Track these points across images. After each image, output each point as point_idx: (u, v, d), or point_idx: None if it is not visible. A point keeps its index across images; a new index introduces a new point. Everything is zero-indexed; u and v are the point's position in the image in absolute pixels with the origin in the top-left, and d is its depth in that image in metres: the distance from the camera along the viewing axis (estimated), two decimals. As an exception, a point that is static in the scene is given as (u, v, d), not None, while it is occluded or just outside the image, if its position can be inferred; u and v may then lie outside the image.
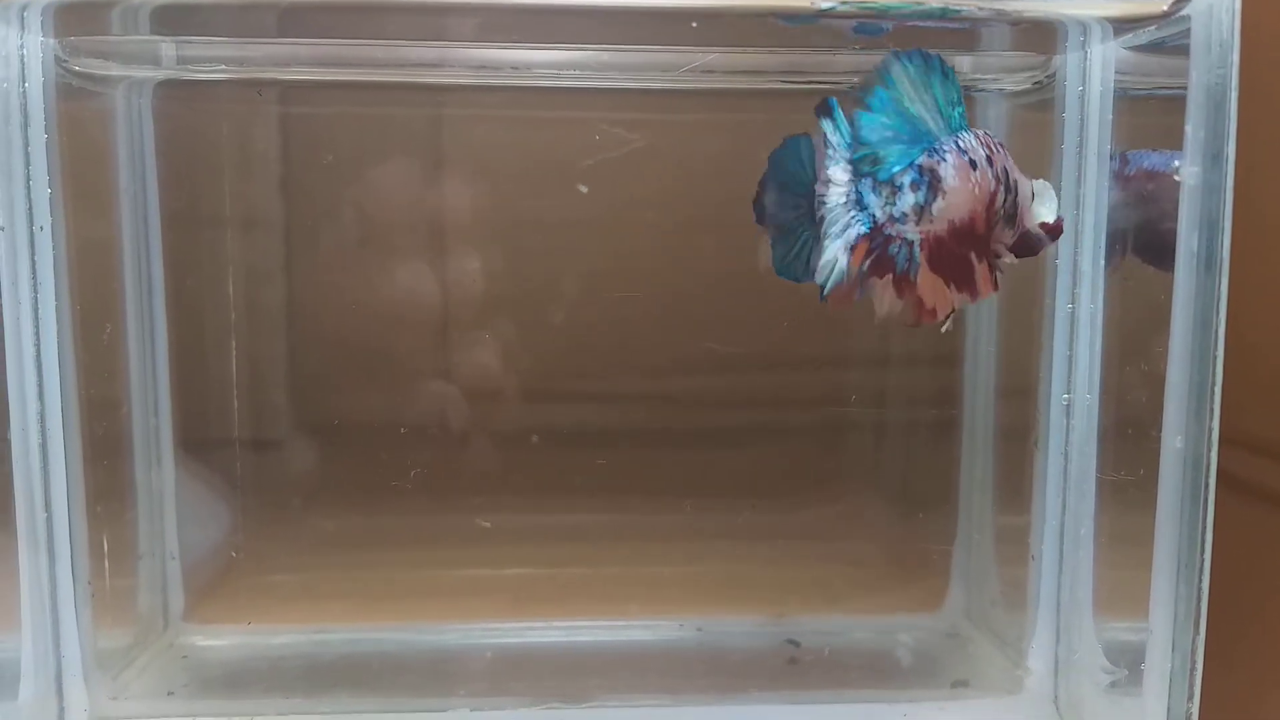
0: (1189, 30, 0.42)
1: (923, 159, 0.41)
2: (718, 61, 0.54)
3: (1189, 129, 0.42)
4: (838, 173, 0.41)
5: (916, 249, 0.41)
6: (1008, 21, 0.48)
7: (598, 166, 0.59)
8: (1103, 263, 0.50)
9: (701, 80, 0.56)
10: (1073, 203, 0.50)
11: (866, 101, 0.41)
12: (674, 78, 0.56)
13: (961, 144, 0.42)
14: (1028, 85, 0.55)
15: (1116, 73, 0.49)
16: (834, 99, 0.41)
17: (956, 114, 0.42)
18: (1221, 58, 0.42)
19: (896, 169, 0.41)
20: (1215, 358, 0.42)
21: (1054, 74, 0.52)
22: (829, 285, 0.41)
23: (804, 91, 0.56)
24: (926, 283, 0.41)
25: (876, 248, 0.41)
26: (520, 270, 0.63)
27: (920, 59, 0.41)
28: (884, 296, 0.41)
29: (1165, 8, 0.43)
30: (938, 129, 0.41)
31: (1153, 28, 0.45)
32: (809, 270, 0.43)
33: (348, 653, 0.58)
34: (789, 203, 0.44)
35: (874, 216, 0.41)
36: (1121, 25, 0.47)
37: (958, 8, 0.44)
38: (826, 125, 0.41)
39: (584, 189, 0.59)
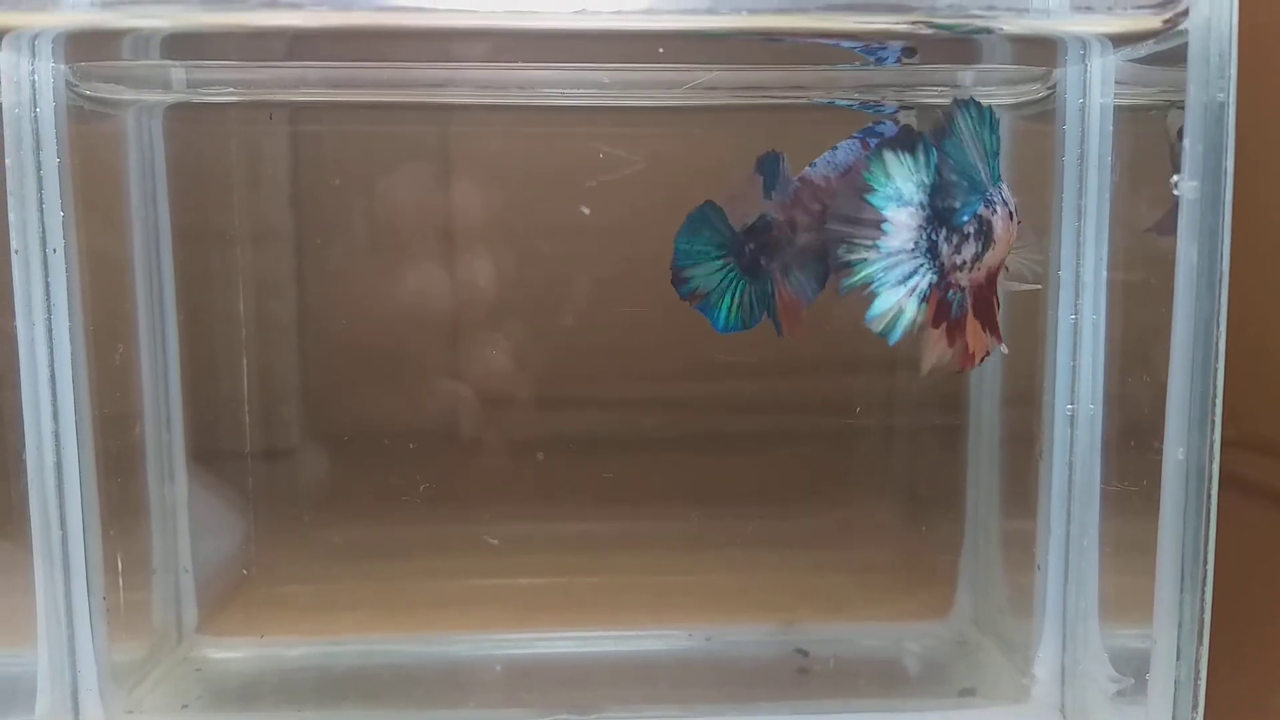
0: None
1: (981, 209, 0.42)
2: (721, 79, 0.55)
3: (1187, 143, 0.42)
4: (901, 215, 0.41)
5: (965, 296, 0.42)
6: (1006, 38, 0.49)
7: (603, 181, 0.60)
8: (1104, 274, 0.50)
9: (707, 97, 0.57)
10: (1074, 213, 0.51)
11: (943, 146, 0.41)
12: (679, 95, 0.56)
13: (1003, 195, 0.42)
14: (1030, 98, 0.56)
15: (1117, 84, 0.49)
16: (926, 135, 0.41)
17: (996, 164, 0.42)
18: (1219, 70, 0.42)
19: (966, 217, 0.41)
20: (1216, 370, 0.43)
21: (1055, 86, 0.52)
22: (897, 335, 0.41)
23: (805, 106, 0.57)
24: (973, 329, 0.42)
25: (940, 296, 0.41)
26: (527, 283, 0.63)
27: (976, 108, 0.42)
28: (936, 346, 0.42)
29: (1159, 25, 0.43)
30: (985, 179, 0.42)
31: (1151, 42, 0.45)
32: (755, 314, 0.45)
33: (360, 664, 0.58)
34: (711, 268, 0.45)
35: (942, 265, 0.41)
36: (1120, 40, 0.47)
37: (957, 24, 0.45)
38: (902, 161, 0.40)
39: (586, 210, 0.60)
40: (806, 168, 0.48)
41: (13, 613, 0.50)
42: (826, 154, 0.48)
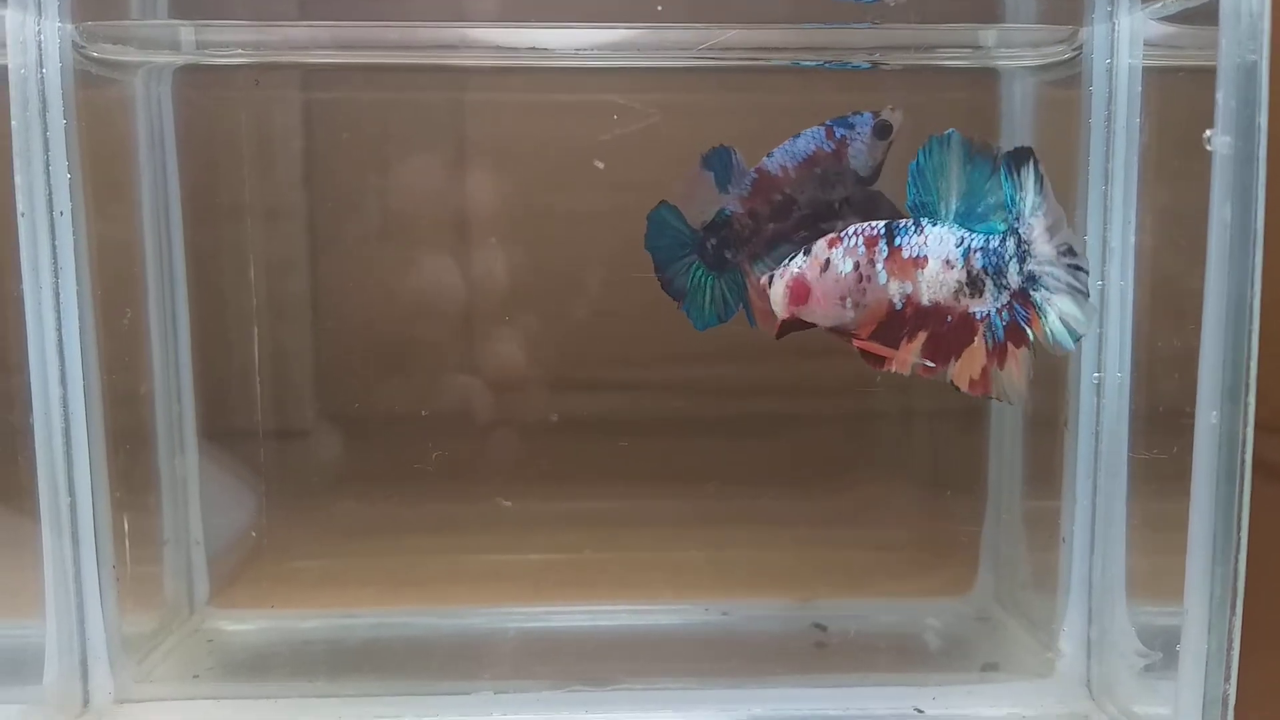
0: (1218, -4, 0.41)
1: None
2: (738, 39, 0.54)
3: (1220, 98, 0.41)
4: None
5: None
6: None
7: (618, 148, 0.59)
8: (1132, 239, 0.49)
9: (722, 57, 0.55)
10: (1101, 177, 0.49)
11: None
12: (694, 56, 0.55)
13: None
14: (1055, 59, 0.54)
15: (1145, 45, 0.48)
16: None
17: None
18: (1252, 24, 0.40)
19: None
20: (1250, 331, 0.41)
21: (1080, 47, 0.51)
22: None
23: (824, 68, 0.56)
24: None
25: None
26: (542, 254, 0.63)
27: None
28: None
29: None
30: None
31: (1181, -5, 0.44)
32: (730, 307, 0.47)
33: (372, 637, 0.58)
34: (681, 268, 0.46)
35: None
36: (1149, -7, 0.46)
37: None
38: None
39: (600, 164, 0.59)
40: (764, 158, 0.47)
41: (22, 584, 0.49)
42: (786, 143, 0.47)
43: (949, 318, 0.42)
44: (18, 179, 0.46)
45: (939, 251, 0.42)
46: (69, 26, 0.47)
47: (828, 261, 0.42)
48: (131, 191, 0.56)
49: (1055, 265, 0.41)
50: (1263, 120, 0.41)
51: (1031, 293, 0.41)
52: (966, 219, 0.42)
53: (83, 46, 0.49)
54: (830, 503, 0.65)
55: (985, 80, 0.58)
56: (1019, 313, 0.41)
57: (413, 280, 0.62)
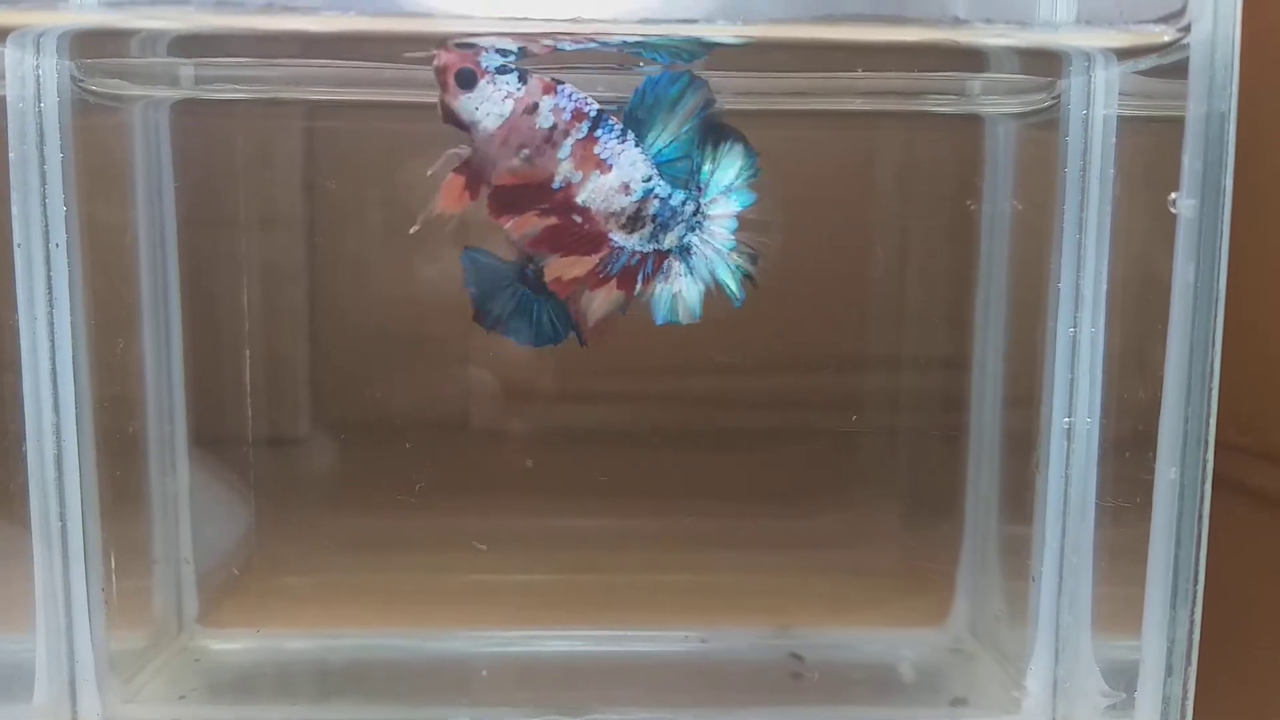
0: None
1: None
2: (750, 84, 0.54)
3: (1186, 160, 0.42)
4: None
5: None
6: (1012, 50, 0.48)
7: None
8: (1104, 288, 0.50)
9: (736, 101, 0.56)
10: (1075, 225, 0.50)
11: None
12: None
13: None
14: (1036, 106, 0.55)
15: (1121, 95, 0.49)
16: None
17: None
18: (1220, 88, 0.41)
19: None
20: (1210, 390, 0.42)
21: (1059, 96, 0.52)
22: None
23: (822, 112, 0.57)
24: None
25: None
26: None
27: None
28: None
29: (1167, 39, 0.43)
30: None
31: (1155, 55, 0.45)
32: (558, 330, 0.45)
33: (355, 659, 0.59)
34: (504, 297, 0.45)
35: None
36: (1125, 54, 0.47)
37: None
38: None
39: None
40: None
41: (15, 603, 0.50)
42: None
43: (586, 225, 0.42)
44: (14, 210, 0.47)
45: (627, 172, 0.42)
46: (68, 63, 0.48)
47: (535, 106, 0.41)
48: (128, 216, 0.57)
49: (719, 254, 0.42)
50: (1228, 182, 0.42)
51: (674, 261, 0.42)
52: (665, 165, 0.42)
53: (81, 80, 0.50)
54: (809, 526, 0.65)
55: (969, 124, 0.59)
56: (646, 269, 0.42)
57: (401, 299, 0.63)
